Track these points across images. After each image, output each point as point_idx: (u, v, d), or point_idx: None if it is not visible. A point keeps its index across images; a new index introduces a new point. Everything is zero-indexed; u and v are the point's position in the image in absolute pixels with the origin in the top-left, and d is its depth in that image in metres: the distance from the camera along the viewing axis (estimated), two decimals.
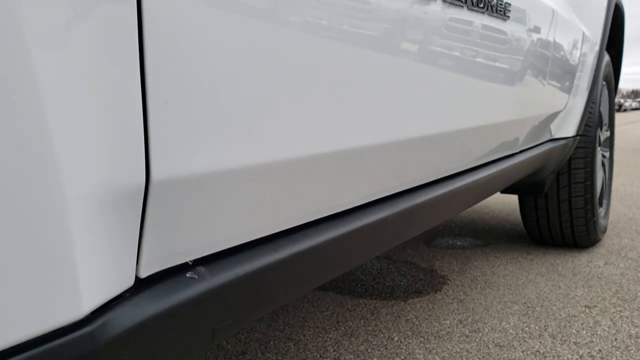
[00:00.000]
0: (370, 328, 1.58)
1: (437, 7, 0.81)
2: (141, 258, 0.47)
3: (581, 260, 2.22)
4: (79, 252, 0.40)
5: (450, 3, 0.84)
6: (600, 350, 1.44)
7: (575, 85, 1.99)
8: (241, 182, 0.55)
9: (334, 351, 1.44)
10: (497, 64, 1.15)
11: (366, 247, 0.86)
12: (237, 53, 0.51)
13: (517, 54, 1.28)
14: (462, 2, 0.85)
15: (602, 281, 1.98)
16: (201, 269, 0.54)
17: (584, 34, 2.00)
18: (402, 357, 1.41)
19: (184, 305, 0.51)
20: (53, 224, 0.38)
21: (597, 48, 2.09)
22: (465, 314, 1.68)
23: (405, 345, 1.47)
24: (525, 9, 1.26)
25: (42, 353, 0.38)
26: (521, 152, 1.63)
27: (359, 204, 0.82)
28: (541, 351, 1.43)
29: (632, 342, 1.49)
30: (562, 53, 1.74)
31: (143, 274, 0.48)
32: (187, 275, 0.52)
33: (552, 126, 1.88)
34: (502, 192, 2.18)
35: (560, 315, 1.67)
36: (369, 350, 1.45)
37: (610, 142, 2.66)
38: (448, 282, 1.99)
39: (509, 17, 1.07)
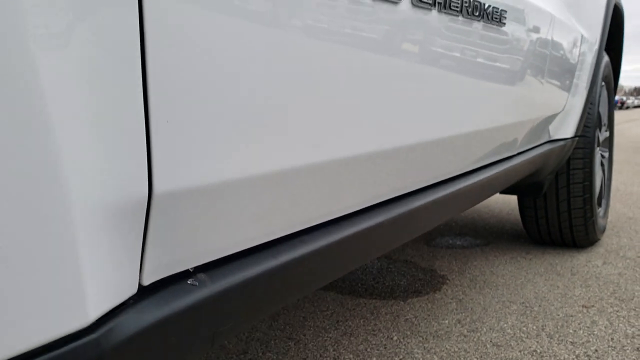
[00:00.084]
0: (369, 327, 1.60)
1: (434, 17, 0.83)
2: (144, 266, 0.50)
3: (580, 260, 2.24)
4: (85, 263, 0.42)
5: (447, 13, 0.86)
6: (596, 350, 1.46)
7: (574, 87, 2.01)
8: (241, 191, 0.57)
9: (333, 350, 1.46)
10: (495, 70, 1.17)
11: (364, 251, 0.88)
12: (236, 69, 0.53)
13: (514, 60, 1.29)
14: (457, 11, 0.87)
15: (600, 281, 1.99)
16: (202, 275, 0.56)
17: (582, 35, 2.01)
18: (401, 357, 1.43)
19: (185, 311, 0.53)
20: (60, 236, 0.40)
21: (595, 49, 2.10)
22: (463, 314, 1.70)
23: (404, 344, 1.50)
24: (521, 15, 1.27)
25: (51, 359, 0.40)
26: (520, 153, 1.65)
27: (357, 209, 0.84)
28: (538, 351, 1.45)
29: (628, 341, 1.50)
30: (560, 55, 1.76)
31: (146, 282, 0.50)
32: (188, 282, 0.54)
33: (551, 127, 1.90)
34: (501, 192, 2.20)
35: (558, 315, 1.69)
36: (368, 349, 1.47)
37: (609, 142, 2.67)
38: (447, 281, 2.00)
39: (504, 24, 1.09)
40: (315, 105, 0.66)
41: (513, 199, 3.47)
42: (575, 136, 2.04)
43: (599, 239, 2.45)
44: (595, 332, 1.57)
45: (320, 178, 0.70)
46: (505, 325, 1.62)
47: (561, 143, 1.94)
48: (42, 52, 0.37)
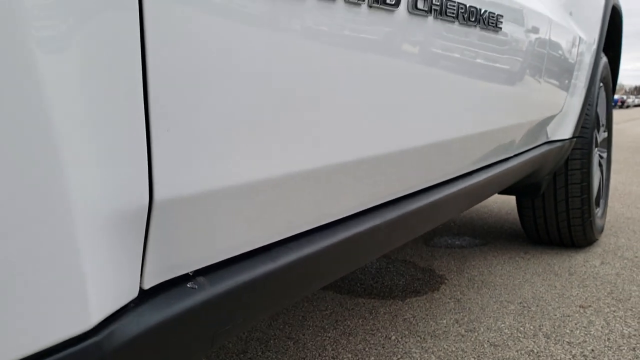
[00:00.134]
0: (368, 327, 1.62)
1: (430, 24, 0.85)
2: (145, 271, 0.51)
3: (578, 260, 2.25)
4: (88, 268, 0.43)
5: (443, 20, 0.87)
6: (592, 350, 1.47)
7: (572, 87, 2.02)
8: (239, 197, 0.59)
9: (332, 350, 1.47)
10: (492, 74, 1.18)
11: (362, 253, 0.89)
12: (234, 79, 0.54)
13: (511, 64, 1.30)
14: (454, 17, 0.88)
15: (598, 281, 2.01)
16: (201, 279, 0.57)
17: (580, 37, 2.02)
18: (399, 357, 1.44)
19: (185, 313, 0.54)
20: (64, 242, 0.41)
21: (593, 51, 2.12)
22: (461, 314, 1.71)
23: (402, 344, 1.51)
24: (518, 19, 1.29)
25: None
26: (518, 155, 1.66)
27: (355, 211, 0.85)
28: (535, 351, 1.47)
29: (625, 341, 1.52)
30: (557, 57, 1.77)
31: (146, 286, 0.52)
32: (188, 285, 0.56)
33: (549, 128, 1.91)
34: (499, 193, 2.21)
35: (555, 315, 1.70)
36: (367, 349, 1.48)
37: (607, 143, 2.68)
38: (446, 281, 2.02)
39: (501, 28, 1.10)
40: (314, 111, 0.67)
41: (512, 199, 3.48)
42: (573, 137, 2.05)
43: (597, 239, 2.47)
44: (592, 332, 1.58)
45: (318, 183, 0.71)
46: (502, 325, 1.63)
47: (559, 144, 1.96)
48: (45, 60, 0.38)
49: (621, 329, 1.60)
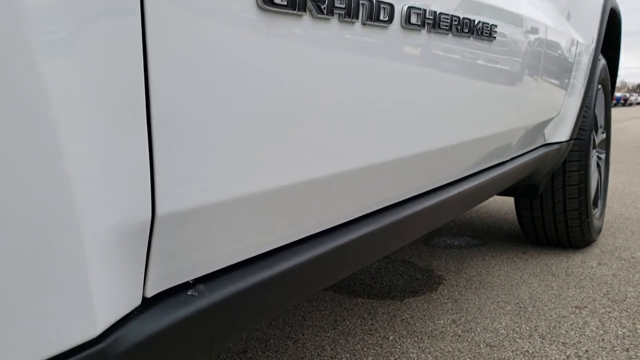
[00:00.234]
0: (366, 327, 1.65)
1: (424, 37, 0.87)
2: (147, 280, 0.54)
3: (575, 261, 2.27)
4: (94, 279, 0.46)
5: (437, 33, 0.89)
6: (587, 351, 1.50)
7: (570, 89, 2.04)
8: (237, 208, 0.61)
9: (331, 350, 1.50)
10: (489, 81, 1.20)
11: (358, 258, 0.92)
12: (235, 97, 0.57)
13: (509, 71, 1.33)
14: (447, 29, 0.90)
15: (594, 282, 2.03)
16: (201, 286, 0.60)
17: (577, 40, 2.04)
18: (396, 357, 1.47)
19: (186, 320, 0.57)
20: (72, 256, 0.44)
21: (591, 53, 2.13)
22: (459, 314, 1.74)
23: (400, 344, 1.54)
24: (513, 28, 1.31)
25: None
26: (516, 157, 1.68)
27: (351, 218, 0.88)
28: (530, 351, 1.50)
29: (619, 342, 1.54)
30: (555, 60, 1.79)
31: (149, 294, 0.55)
32: (188, 293, 0.59)
33: (546, 131, 1.93)
34: (497, 194, 2.24)
35: (551, 316, 1.73)
36: (365, 349, 1.51)
37: (606, 144, 2.70)
38: (444, 281, 2.05)
39: (495, 38, 1.13)
40: (310, 125, 0.70)
41: (512, 199, 3.50)
42: (570, 139, 2.07)
43: (595, 240, 2.49)
44: (587, 333, 1.61)
45: (314, 192, 0.74)
46: (499, 325, 1.66)
47: (556, 146, 1.98)
48: (52, 83, 0.41)
49: (616, 329, 1.63)
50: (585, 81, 2.10)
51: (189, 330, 0.58)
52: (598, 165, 2.56)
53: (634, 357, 1.46)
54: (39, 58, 0.40)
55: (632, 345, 1.52)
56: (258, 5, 0.57)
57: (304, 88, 0.67)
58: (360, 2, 0.70)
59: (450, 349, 1.50)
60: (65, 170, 0.42)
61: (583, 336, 1.59)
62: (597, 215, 2.52)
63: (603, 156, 2.66)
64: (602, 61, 2.38)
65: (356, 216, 0.88)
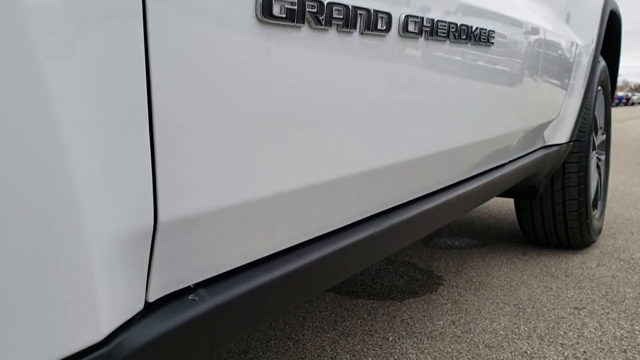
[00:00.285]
0: (366, 328, 1.66)
1: (421, 44, 0.89)
2: (150, 285, 0.55)
3: (574, 262, 2.29)
4: (98, 285, 0.48)
5: (434, 40, 0.91)
6: (585, 352, 1.51)
7: (569, 90, 2.05)
8: (237, 215, 0.63)
9: (331, 350, 1.52)
10: (487, 86, 1.22)
11: (357, 261, 0.94)
12: (237, 105, 0.59)
13: (508, 76, 1.34)
14: (444, 36, 0.92)
15: (593, 283, 2.05)
16: (202, 291, 0.62)
17: (576, 42, 2.05)
18: (396, 357, 1.49)
19: (187, 323, 0.59)
20: (77, 262, 0.46)
21: (591, 55, 2.15)
22: (458, 315, 1.75)
23: (399, 345, 1.55)
24: (511, 33, 1.32)
25: None
26: (514, 160, 1.70)
27: (351, 221, 0.89)
28: (528, 352, 1.51)
29: (616, 343, 1.56)
30: (553, 63, 1.80)
31: (151, 299, 0.56)
32: (190, 297, 0.60)
33: (546, 133, 1.95)
34: (497, 196, 2.25)
35: (550, 317, 1.74)
36: (365, 350, 1.53)
37: (606, 145, 2.71)
38: (444, 282, 2.06)
39: (492, 43, 1.14)
40: (311, 133, 0.71)
41: (512, 200, 3.51)
42: (570, 141, 2.08)
43: (594, 241, 2.50)
44: (585, 334, 1.62)
45: (314, 197, 0.76)
46: (498, 326, 1.67)
47: (555, 148, 1.99)
48: (53, 85, 0.42)
49: (614, 330, 1.64)
50: (584, 83, 2.11)
51: (191, 334, 0.60)
52: (598, 167, 2.57)
53: (631, 358, 1.47)
54: (40, 59, 0.40)
55: (629, 347, 1.54)
56: (257, 17, 0.59)
57: (305, 97, 0.69)
58: (358, 12, 0.72)
59: (449, 350, 1.52)
60: (67, 176, 0.44)
61: (581, 337, 1.60)
62: (596, 216, 2.53)
63: (603, 157, 2.67)
64: (602, 63, 2.39)
65: (356, 219, 0.90)
